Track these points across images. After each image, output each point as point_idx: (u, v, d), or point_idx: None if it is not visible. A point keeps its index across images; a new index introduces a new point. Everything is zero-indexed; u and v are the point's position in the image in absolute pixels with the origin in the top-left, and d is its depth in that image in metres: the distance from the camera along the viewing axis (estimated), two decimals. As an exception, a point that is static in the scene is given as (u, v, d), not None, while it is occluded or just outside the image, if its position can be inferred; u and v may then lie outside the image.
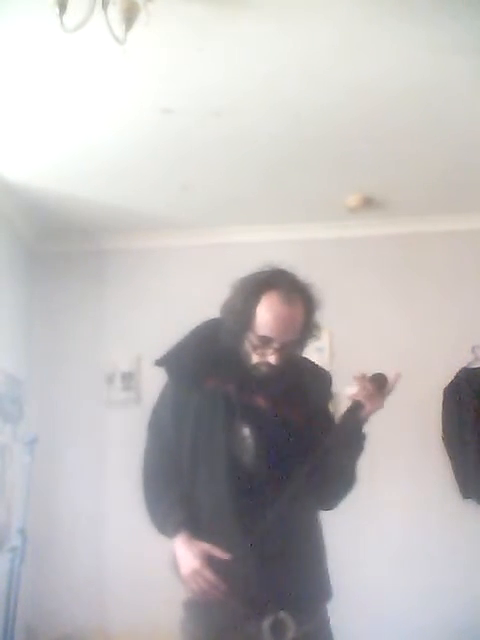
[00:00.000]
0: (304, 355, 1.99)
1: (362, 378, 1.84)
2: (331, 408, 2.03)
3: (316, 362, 2.06)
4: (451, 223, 4.11)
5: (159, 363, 1.97)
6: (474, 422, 3.77)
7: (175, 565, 1.83)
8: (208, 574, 1.74)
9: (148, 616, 3.51)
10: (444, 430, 3.84)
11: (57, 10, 2.11)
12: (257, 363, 1.84)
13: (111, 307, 4.19)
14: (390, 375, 1.85)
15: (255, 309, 1.82)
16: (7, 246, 3.89)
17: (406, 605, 3.70)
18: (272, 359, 1.82)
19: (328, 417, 1.98)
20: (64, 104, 2.91)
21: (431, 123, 3.13)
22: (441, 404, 3.87)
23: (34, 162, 3.39)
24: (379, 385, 1.83)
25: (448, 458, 3.80)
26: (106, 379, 4.12)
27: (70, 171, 3.49)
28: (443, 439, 3.83)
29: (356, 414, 1.83)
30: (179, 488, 1.87)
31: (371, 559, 3.77)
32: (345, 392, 1.85)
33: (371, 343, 4.01)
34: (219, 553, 1.75)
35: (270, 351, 1.82)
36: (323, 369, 2.05)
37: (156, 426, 1.98)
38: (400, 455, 3.85)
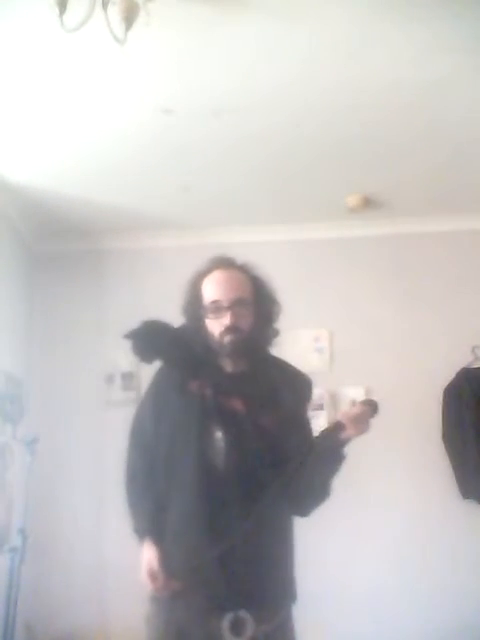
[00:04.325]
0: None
1: (352, 403, 1.88)
2: (308, 413, 2.02)
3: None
4: (451, 223, 4.11)
5: (128, 336, 2.13)
6: (474, 422, 3.77)
7: None
8: (148, 584, 1.87)
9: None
10: (444, 430, 3.84)
11: (57, 10, 2.11)
12: (219, 336, 1.90)
13: (111, 307, 4.18)
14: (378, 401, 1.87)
15: (201, 292, 1.96)
16: (7, 246, 3.89)
17: (405, 605, 3.71)
18: (227, 320, 1.89)
19: (302, 422, 1.98)
20: (64, 104, 2.91)
21: (431, 123, 3.13)
22: (441, 404, 3.87)
23: (34, 162, 3.39)
24: (370, 410, 1.85)
25: (448, 458, 3.81)
26: (106, 379, 4.12)
27: (70, 171, 3.49)
28: (443, 439, 3.84)
29: (335, 434, 1.82)
30: (153, 494, 1.92)
31: (371, 559, 3.78)
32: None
33: (371, 343, 4.02)
34: (156, 569, 1.85)
35: (222, 313, 1.90)
36: (302, 373, 2.05)
37: (137, 431, 2.04)
38: (400, 455, 3.85)
